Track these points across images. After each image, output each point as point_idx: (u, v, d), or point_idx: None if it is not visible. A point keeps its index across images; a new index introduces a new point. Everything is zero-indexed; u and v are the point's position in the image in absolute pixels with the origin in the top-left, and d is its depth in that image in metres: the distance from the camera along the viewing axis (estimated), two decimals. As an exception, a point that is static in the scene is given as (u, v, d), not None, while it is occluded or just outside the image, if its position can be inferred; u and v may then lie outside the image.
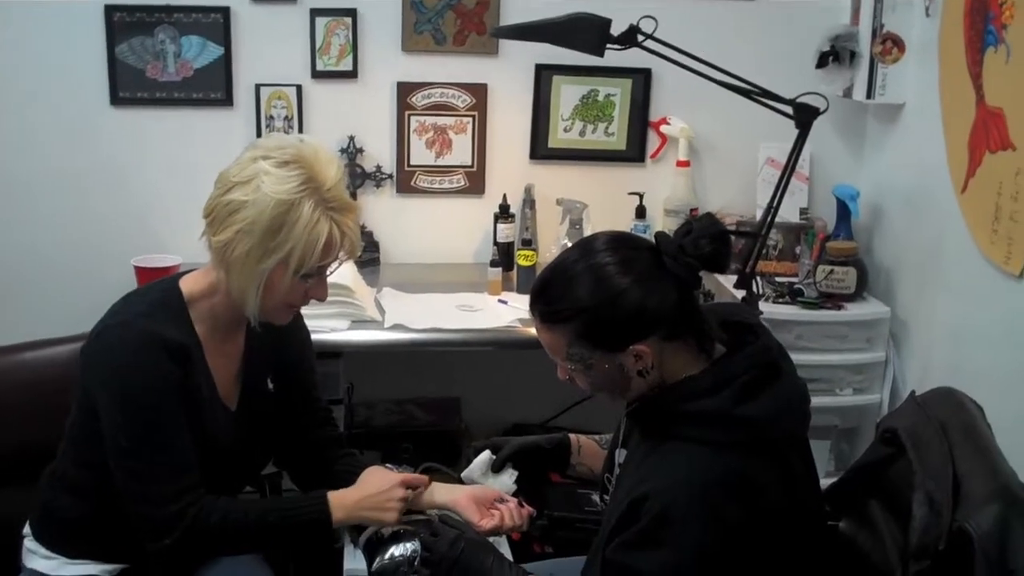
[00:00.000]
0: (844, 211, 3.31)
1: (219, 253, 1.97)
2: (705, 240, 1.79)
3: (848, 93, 3.36)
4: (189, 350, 2.01)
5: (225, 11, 3.36)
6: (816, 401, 2.84)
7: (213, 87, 3.40)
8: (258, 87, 3.41)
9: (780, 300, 3.21)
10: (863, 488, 2.06)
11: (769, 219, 2.98)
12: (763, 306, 3.09)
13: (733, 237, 1.88)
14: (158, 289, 2.09)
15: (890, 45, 3.21)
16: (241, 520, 2.01)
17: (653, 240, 1.86)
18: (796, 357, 2.89)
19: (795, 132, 2.98)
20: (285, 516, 2.04)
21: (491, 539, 2.09)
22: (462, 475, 2.22)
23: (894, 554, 1.85)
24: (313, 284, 2.01)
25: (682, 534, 1.71)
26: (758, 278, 3.05)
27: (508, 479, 2.19)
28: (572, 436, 2.29)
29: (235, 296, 1.99)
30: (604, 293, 1.78)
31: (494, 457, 2.22)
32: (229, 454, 2.10)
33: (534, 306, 1.86)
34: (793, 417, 1.86)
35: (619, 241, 1.85)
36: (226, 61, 3.39)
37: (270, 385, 2.20)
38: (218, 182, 1.98)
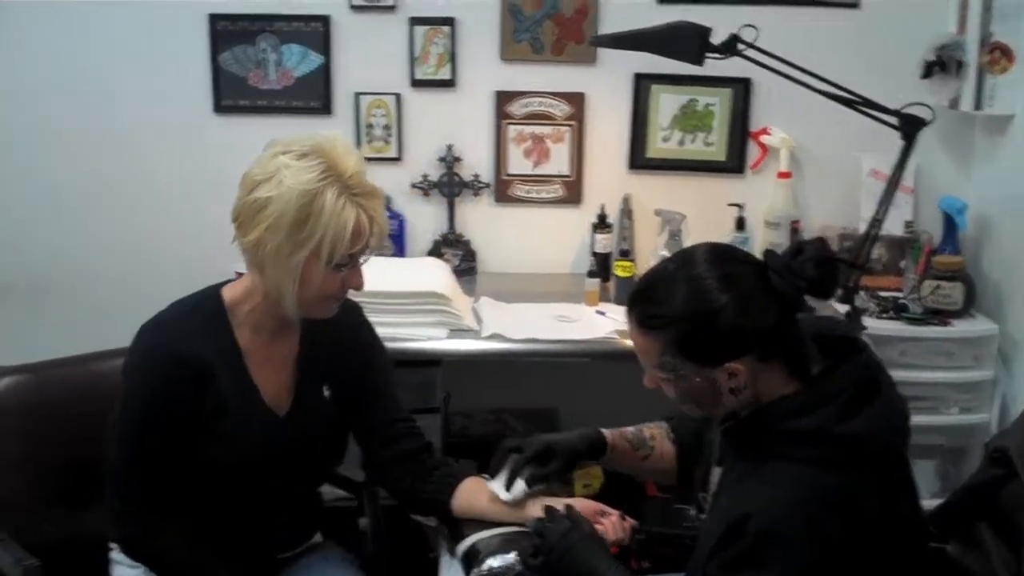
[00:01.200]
0: (951, 224, 3.24)
1: (251, 253, 1.98)
2: (811, 264, 1.75)
3: (955, 104, 3.28)
4: (211, 365, 2.02)
5: (325, 20, 3.39)
6: (921, 420, 2.82)
7: (313, 95, 3.44)
8: (357, 95, 3.44)
9: (884, 315, 3.14)
10: (971, 510, 2.02)
11: (874, 233, 2.92)
12: (867, 321, 3.03)
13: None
14: (199, 296, 2.11)
15: (998, 55, 3.13)
16: (172, 566, 2.07)
17: (758, 255, 1.83)
18: (900, 374, 2.90)
19: (899, 143, 2.91)
20: None
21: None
22: (488, 484, 2.17)
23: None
24: (348, 273, 2.00)
25: (785, 555, 1.68)
26: (862, 292, 2.99)
27: (521, 486, 2.14)
28: (608, 435, 2.24)
29: (272, 294, 2.00)
30: (701, 307, 1.75)
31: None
32: (277, 460, 2.11)
33: (631, 309, 1.84)
34: (894, 434, 1.81)
35: (722, 255, 1.82)
36: (326, 70, 3.43)
37: (326, 392, 2.18)
38: (242, 183, 1.98)
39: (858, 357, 1.82)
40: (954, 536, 2.05)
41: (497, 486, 2.14)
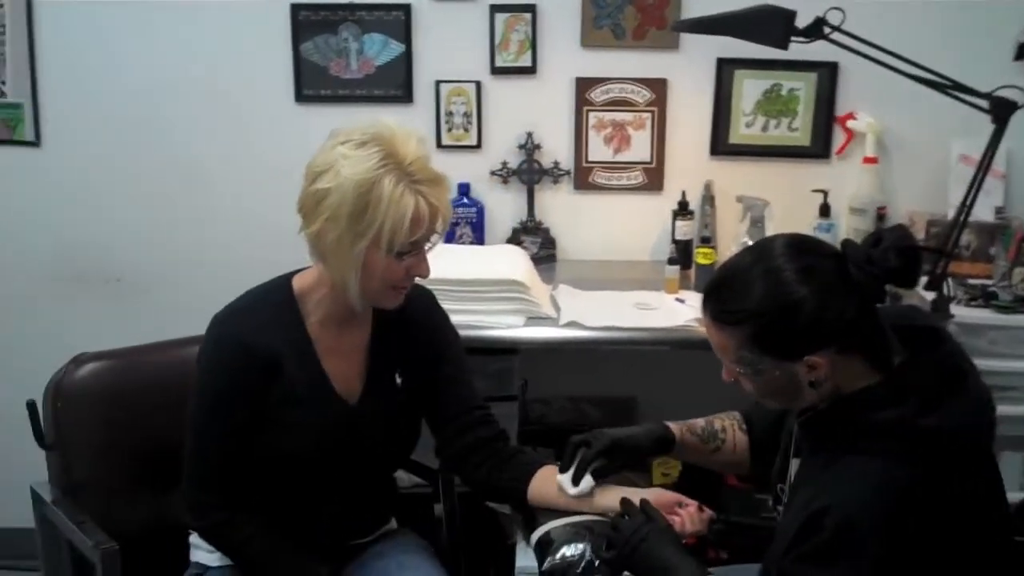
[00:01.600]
0: (1044, 210, 3.15)
1: (314, 244, 1.99)
2: (894, 253, 1.72)
3: (1049, 85, 3.19)
4: (280, 355, 2.04)
5: (407, 8, 3.39)
6: (1009, 410, 2.76)
7: (394, 84, 3.45)
8: (438, 83, 3.44)
9: (973, 303, 3.06)
10: None
11: (963, 219, 2.85)
12: (954, 309, 2.95)
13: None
14: (270, 286, 2.13)
15: (1095, 35, 3.04)
16: (251, 556, 2.10)
17: (838, 246, 1.80)
18: (989, 363, 2.83)
19: (990, 127, 2.84)
20: None
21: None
22: (557, 478, 2.16)
23: None
24: (412, 261, 1.99)
25: (863, 548, 1.66)
26: (949, 280, 2.92)
27: (588, 481, 2.13)
28: (675, 430, 2.22)
29: (337, 284, 2.01)
30: (780, 300, 1.72)
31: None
32: (348, 448, 2.12)
33: (706, 304, 1.82)
34: (978, 428, 1.78)
35: (800, 246, 1.79)
36: (407, 58, 3.43)
37: (398, 380, 2.18)
38: (305, 174, 1.99)
39: (941, 347, 1.79)
40: None
41: (565, 480, 2.13)
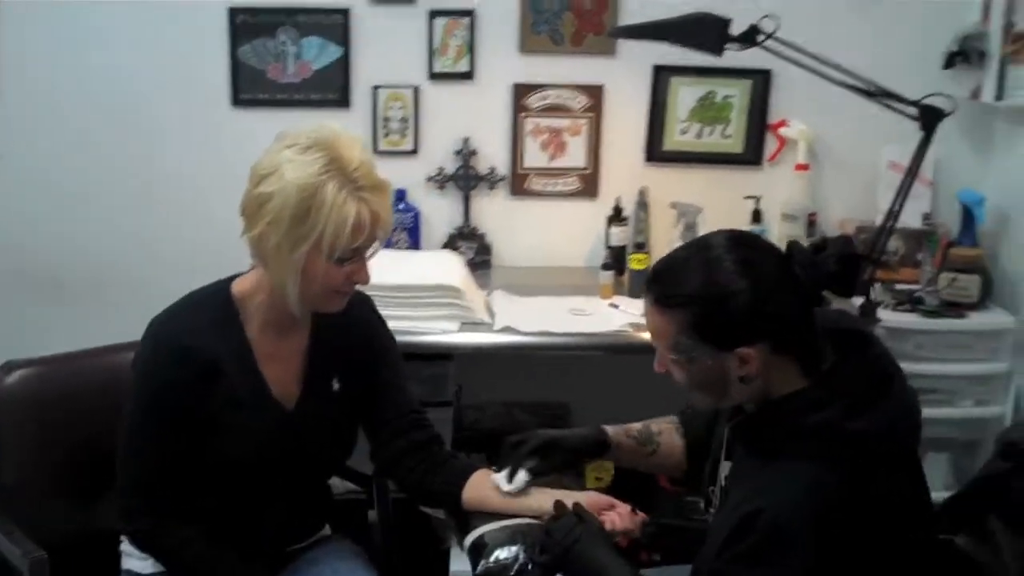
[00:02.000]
0: (969, 217, 3.22)
1: (255, 248, 1.99)
2: (834, 259, 1.76)
3: (976, 95, 3.26)
4: (219, 359, 2.04)
5: (345, 12, 3.40)
6: (935, 412, 2.81)
7: (331, 88, 3.45)
8: (375, 88, 3.45)
9: (900, 308, 3.12)
10: (982, 502, 2.06)
11: (890, 225, 2.91)
12: (882, 314, 3.01)
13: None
14: (210, 290, 2.12)
15: (1022, 45, 3.10)
16: (185, 562, 2.08)
17: (780, 247, 1.83)
18: (915, 367, 2.90)
19: (919, 135, 2.90)
20: None
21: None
22: (492, 476, 2.18)
23: (1014, 569, 1.87)
24: (353, 267, 1.99)
25: (793, 549, 1.69)
26: (877, 285, 2.97)
27: (522, 477, 2.15)
28: (611, 433, 2.23)
29: (277, 289, 2.01)
30: (720, 287, 1.75)
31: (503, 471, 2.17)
32: (285, 453, 2.11)
33: (650, 287, 1.84)
34: (905, 431, 1.82)
35: (741, 240, 1.83)
36: (344, 62, 3.44)
37: (335, 386, 2.18)
38: (249, 177, 1.98)
39: (869, 351, 1.83)
40: (964, 528, 2.09)
41: (500, 478, 2.15)
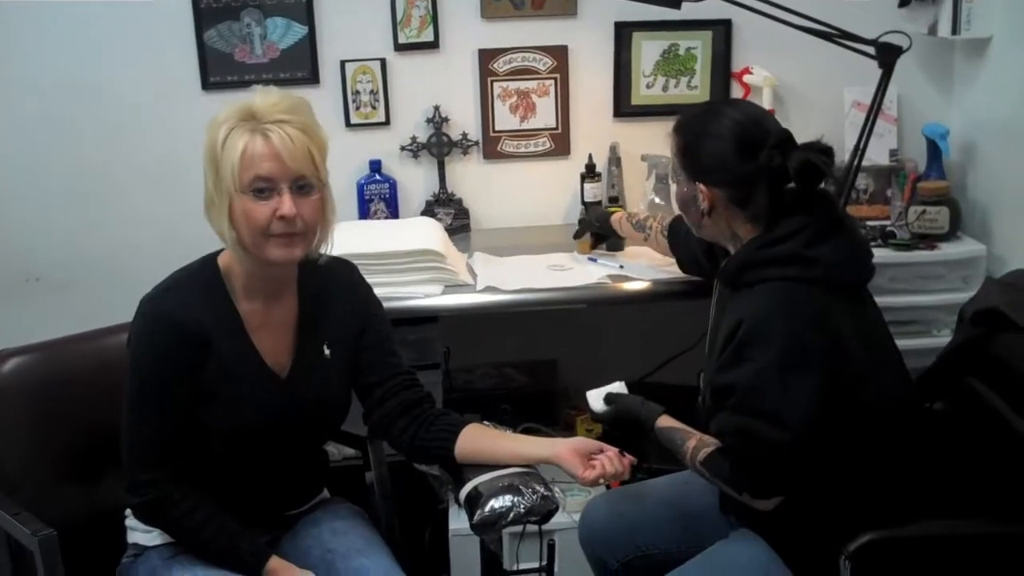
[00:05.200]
0: (935, 150, 3.27)
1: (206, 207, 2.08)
2: (802, 156, 2.07)
3: (933, 30, 3.30)
4: (210, 331, 2.08)
5: (307, -9, 3.42)
6: (913, 343, 2.89)
7: (300, 66, 3.47)
8: (343, 63, 3.47)
9: (873, 244, 3.15)
10: (959, 368, 2.32)
11: (856, 162, 2.96)
12: (855, 250, 3.08)
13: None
14: (198, 264, 2.17)
15: (975, -21, 3.15)
16: (191, 529, 2.12)
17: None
18: (891, 300, 2.97)
19: (880, 73, 2.95)
20: (226, 549, 2.12)
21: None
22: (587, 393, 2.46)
23: (1010, 413, 2.14)
24: (275, 203, 2.00)
25: (766, 348, 2.01)
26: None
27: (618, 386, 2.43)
28: (616, 215, 3.00)
29: (227, 244, 2.08)
30: (708, 129, 2.16)
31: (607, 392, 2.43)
32: (281, 421, 2.16)
33: (678, 117, 2.29)
34: (859, 263, 2.17)
35: (753, 115, 2.21)
36: (311, 40, 3.45)
37: (326, 352, 2.23)
38: None
39: (824, 201, 2.16)
40: (941, 396, 2.35)
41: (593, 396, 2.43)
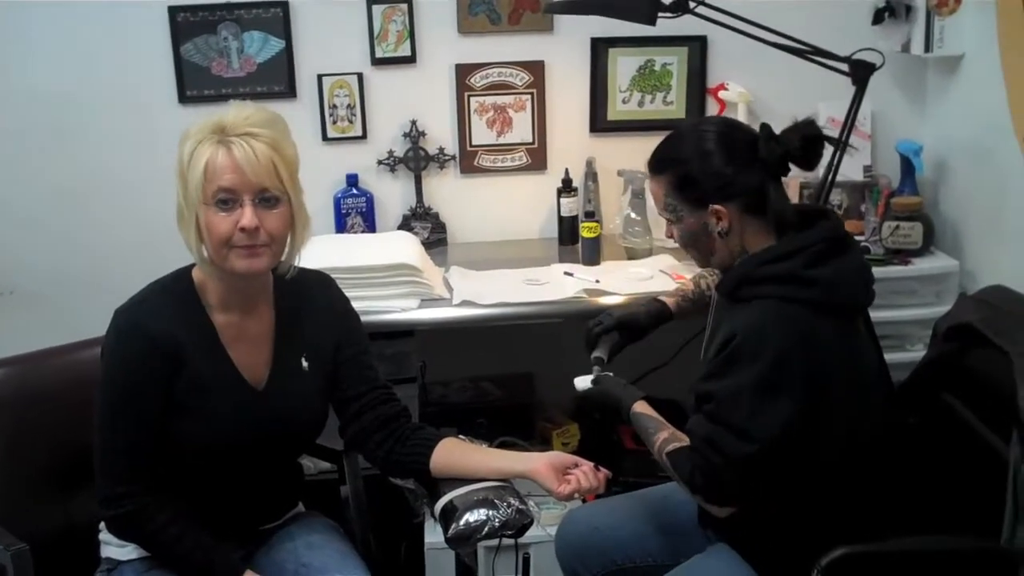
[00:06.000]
0: (908, 167, 3.30)
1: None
2: (797, 135, 2.09)
3: (906, 48, 3.34)
4: (184, 344, 2.08)
5: (284, 5, 3.42)
6: (888, 358, 2.89)
7: (277, 80, 3.48)
8: (320, 77, 3.48)
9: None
10: (933, 383, 2.33)
11: (830, 178, 2.98)
12: (829, 265, 3.09)
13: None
14: (172, 276, 2.17)
15: (945, -3, 3.18)
16: (166, 543, 2.10)
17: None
18: (865, 314, 2.95)
19: (854, 91, 2.97)
20: (201, 564, 2.11)
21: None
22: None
23: (983, 428, 2.14)
24: (238, 214, 2.00)
25: (748, 364, 2.00)
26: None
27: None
28: (670, 303, 2.62)
29: (194, 257, 2.08)
30: (697, 152, 2.11)
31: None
32: (257, 434, 2.16)
33: (649, 161, 2.22)
34: (858, 286, 2.14)
35: (727, 123, 2.21)
36: (288, 54, 3.46)
37: (304, 365, 2.23)
38: None
39: (828, 222, 2.15)
40: (918, 409, 2.35)
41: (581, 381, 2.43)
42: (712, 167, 2.10)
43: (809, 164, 2.15)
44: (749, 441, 2.00)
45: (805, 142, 2.09)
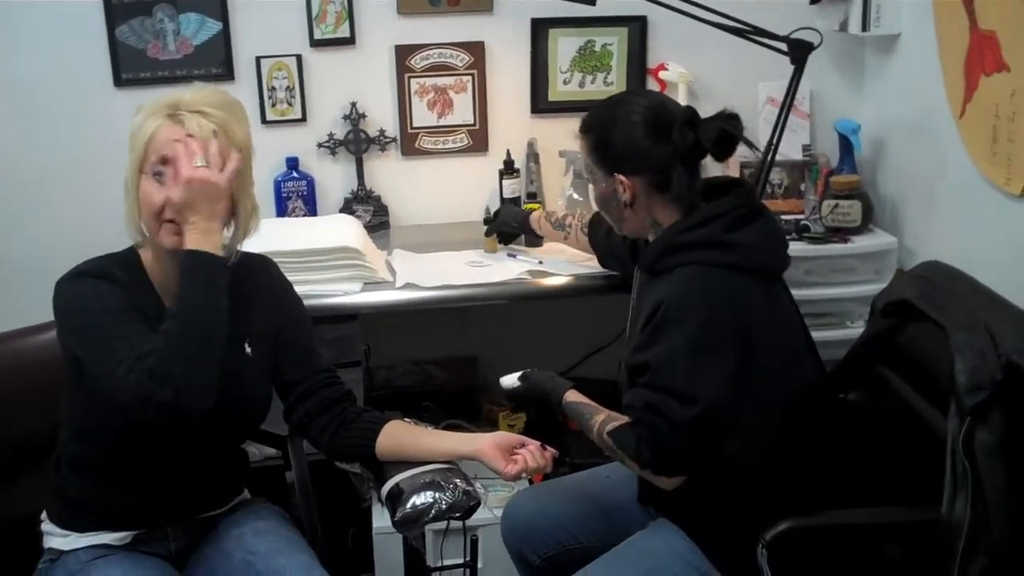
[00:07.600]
0: (847, 145, 3.32)
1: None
2: (714, 128, 2.14)
3: (844, 27, 3.37)
4: (142, 299, 2.06)
5: (220, -15, 3.38)
6: (828, 335, 2.95)
7: (214, 62, 3.43)
8: (258, 59, 3.44)
9: (788, 238, 3.20)
10: (871, 358, 2.35)
11: (770, 157, 3.00)
12: (770, 243, 3.12)
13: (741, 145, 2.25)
14: (118, 254, 2.15)
15: (883, -24, 3.21)
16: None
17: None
18: (806, 292, 3.02)
19: (793, 70, 2.99)
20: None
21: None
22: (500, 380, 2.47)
23: (921, 402, 2.16)
24: (166, 183, 1.99)
25: (681, 328, 2.05)
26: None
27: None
28: (535, 215, 3.04)
29: (129, 231, 2.07)
30: (621, 121, 2.19)
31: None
32: (200, 419, 2.08)
33: (583, 118, 2.30)
34: (775, 250, 2.24)
35: (660, 100, 2.27)
36: (225, 36, 3.42)
37: (247, 349, 2.20)
38: None
39: (741, 189, 2.25)
40: (855, 386, 2.39)
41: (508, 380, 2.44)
42: (628, 139, 2.18)
43: (718, 158, 2.20)
44: (692, 403, 2.03)
45: (719, 136, 2.15)
